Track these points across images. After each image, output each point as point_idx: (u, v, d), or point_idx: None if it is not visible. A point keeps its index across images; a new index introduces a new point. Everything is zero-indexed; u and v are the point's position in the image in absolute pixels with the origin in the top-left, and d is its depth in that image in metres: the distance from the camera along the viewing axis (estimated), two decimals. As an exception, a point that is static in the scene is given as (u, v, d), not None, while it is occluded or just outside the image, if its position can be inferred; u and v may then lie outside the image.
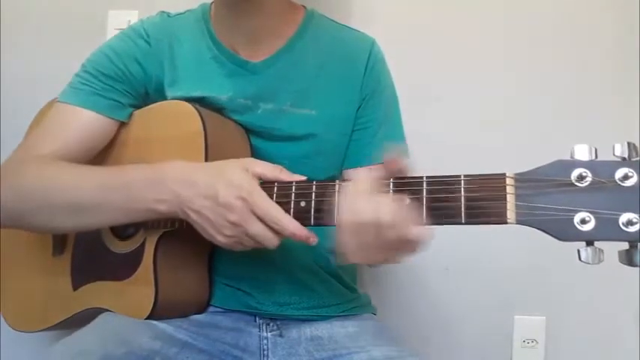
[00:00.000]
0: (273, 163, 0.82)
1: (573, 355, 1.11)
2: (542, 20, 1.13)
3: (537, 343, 1.11)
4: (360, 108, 0.85)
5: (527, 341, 1.12)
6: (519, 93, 1.13)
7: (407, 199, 0.56)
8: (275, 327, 0.81)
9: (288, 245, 0.81)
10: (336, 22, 0.92)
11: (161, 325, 0.74)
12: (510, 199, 0.52)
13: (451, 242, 0.99)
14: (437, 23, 1.15)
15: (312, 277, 0.84)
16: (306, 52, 0.85)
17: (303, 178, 0.65)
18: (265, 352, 0.79)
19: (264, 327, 0.81)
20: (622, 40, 1.09)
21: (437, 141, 1.12)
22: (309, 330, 0.81)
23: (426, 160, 1.00)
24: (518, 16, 1.13)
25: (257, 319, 0.82)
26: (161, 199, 0.66)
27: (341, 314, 0.84)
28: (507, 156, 1.11)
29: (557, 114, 1.11)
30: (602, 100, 1.10)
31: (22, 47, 1.23)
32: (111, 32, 1.19)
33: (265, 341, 0.80)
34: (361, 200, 0.56)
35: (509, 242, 1.07)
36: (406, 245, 0.56)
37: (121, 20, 1.20)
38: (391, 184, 0.58)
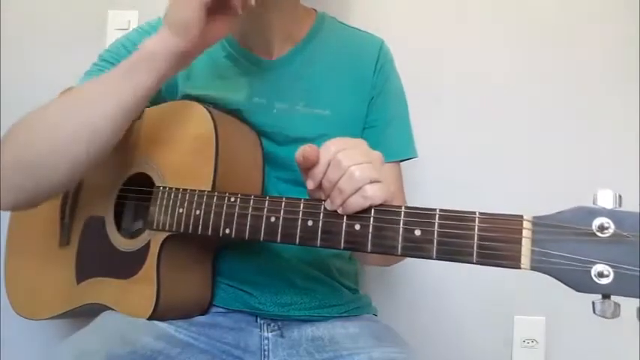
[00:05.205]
0: (286, 167, 0.82)
1: (573, 355, 1.11)
2: (543, 21, 1.13)
3: (537, 343, 1.11)
4: (368, 106, 0.86)
5: (527, 341, 1.12)
6: (519, 93, 1.13)
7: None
8: (276, 327, 0.81)
9: (290, 247, 0.82)
10: (347, 25, 0.93)
11: (162, 325, 0.74)
12: (526, 244, 0.50)
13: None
14: (437, 25, 1.15)
15: (314, 279, 0.84)
16: (318, 53, 0.85)
17: None
18: (266, 353, 0.79)
19: (265, 327, 0.81)
20: (624, 46, 1.10)
21: (438, 142, 1.12)
22: (310, 330, 0.81)
23: (426, 161, 1.02)
24: (519, 16, 1.13)
25: (258, 319, 0.82)
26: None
27: (342, 315, 0.85)
28: (508, 155, 1.12)
29: (558, 114, 1.12)
30: (602, 101, 1.11)
31: (22, 47, 1.23)
32: (111, 32, 1.19)
33: (266, 341, 0.80)
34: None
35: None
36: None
37: (121, 20, 1.19)
38: (402, 213, 0.56)
